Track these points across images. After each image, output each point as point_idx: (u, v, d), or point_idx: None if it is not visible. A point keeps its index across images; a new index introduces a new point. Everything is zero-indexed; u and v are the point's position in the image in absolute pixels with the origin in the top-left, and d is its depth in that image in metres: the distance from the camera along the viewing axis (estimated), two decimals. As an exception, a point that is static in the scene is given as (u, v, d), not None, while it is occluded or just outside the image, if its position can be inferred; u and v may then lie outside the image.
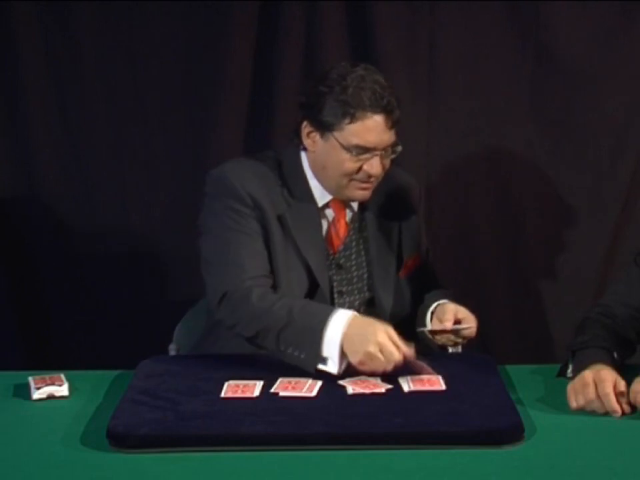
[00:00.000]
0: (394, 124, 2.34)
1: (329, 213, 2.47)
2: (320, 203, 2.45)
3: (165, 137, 3.10)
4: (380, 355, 2.13)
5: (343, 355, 2.18)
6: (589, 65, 3.02)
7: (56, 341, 3.22)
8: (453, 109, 3.07)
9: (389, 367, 2.14)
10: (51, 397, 2.20)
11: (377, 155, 2.34)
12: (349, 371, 2.20)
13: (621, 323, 2.31)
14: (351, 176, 2.37)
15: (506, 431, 1.94)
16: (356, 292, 2.50)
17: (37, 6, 3.00)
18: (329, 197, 2.45)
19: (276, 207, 2.40)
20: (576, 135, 3.08)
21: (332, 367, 2.19)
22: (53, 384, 2.21)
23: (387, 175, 2.50)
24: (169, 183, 3.13)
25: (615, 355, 2.20)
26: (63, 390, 2.21)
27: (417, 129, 3.08)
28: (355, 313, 2.24)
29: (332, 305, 2.44)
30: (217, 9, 3.00)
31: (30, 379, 2.25)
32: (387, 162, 2.39)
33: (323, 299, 2.42)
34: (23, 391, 2.23)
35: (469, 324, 2.35)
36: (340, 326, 2.19)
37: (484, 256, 3.18)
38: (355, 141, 2.32)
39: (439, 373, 2.18)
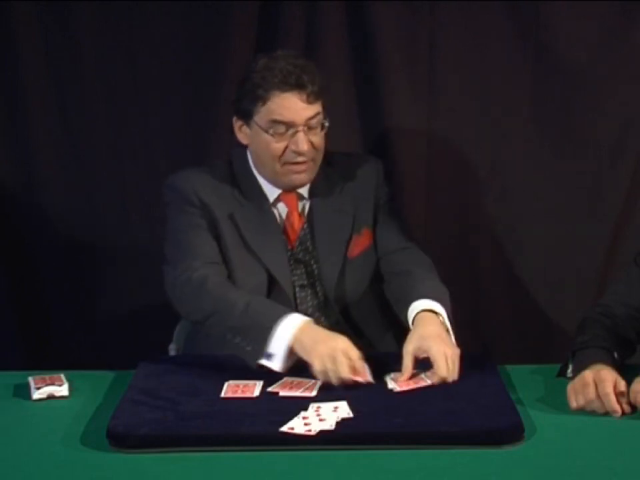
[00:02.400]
0: (311, 98, 2.35)
1: (282, 207, 2.49)
2: (271, 199, 2.48)
3: (165, 137, 3.10)
4: (332, 364, 2.14)
5: (290, 354, 2.20)
6: (589, 65, 3.02)
7: (56, 341, 3.21)
8: (452, 109, 3.07)
9: (336, 379, 2.14)
10: (51, 397, 2.20)
11: (299, 131, 2.35)
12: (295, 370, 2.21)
13: (621, 322, 2.32)
14: (280, 158, 2.39)
15: (506, 430, 1.95)
16: (317, 284, 2.51)
17: (37, 6, 3.00)
18: (277, 192, 2.47)
19: (227, 207, 2.44)
20: (576, 135, 3.07)
21: (276, 363, 2.20)
22: (52, 384, 2.21)
23: (340, 161, 2.54)
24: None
25: (615, 354, 2.20)
26: (62, 390, 2.21)
27: (417, 128, 3.08)
28: (310, 319, 2.25)
29: (294, 299, 2.48)
30: (217, 9, 3.00)
31: (30, 379, 2.25)
32: (317, 139, 2.40)
33: (282, 294, 2.45)
34: (23, 391, 2.23)
35: (434, 374, 2.19)
36: (293, 326, 2.21)
37: (484, 256, 3.18)
38: (272, 117, 2.35)
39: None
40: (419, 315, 2.32)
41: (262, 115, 2.37)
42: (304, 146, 2.36)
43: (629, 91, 3.04)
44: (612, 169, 3.08)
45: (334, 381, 2.14)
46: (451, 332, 2.33)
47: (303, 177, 2.43)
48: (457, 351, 2.24)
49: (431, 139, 3.10)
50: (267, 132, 2.37)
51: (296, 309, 2.49)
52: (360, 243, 2.53)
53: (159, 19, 3.02)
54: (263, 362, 2.21)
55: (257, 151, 2.44)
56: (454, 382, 2.19)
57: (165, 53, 3.04)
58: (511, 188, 3.13)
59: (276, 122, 2.36)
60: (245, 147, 2.50)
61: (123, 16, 3.01)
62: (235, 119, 2.45)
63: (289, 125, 2.36)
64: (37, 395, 2.19)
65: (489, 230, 3.16)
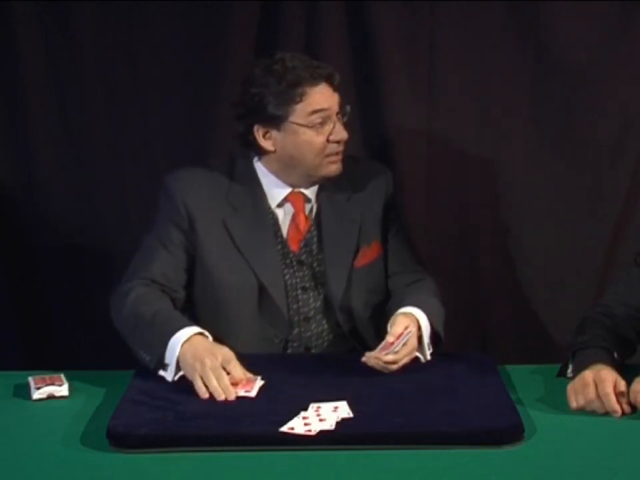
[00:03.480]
0: (336, 88, 2.42)
1: (288, 208, 2.49)
2: (278, 199, 2.48)
3: (165, 137, 3.10)
4: (199, 376, 2.14)
5: (180, 362, 2.22)
6: (589, 65, 3.02)
7: (56, 341, 3.21)
8: (452, 108, 3.07)
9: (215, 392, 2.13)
10: (50, 397, 2.20)
11: (336, 121, 2.40)
12: None
13: (621, 322, 2.32)
14: (323, 152, 2.41)
15: (506, 430, 1.95)
16: (319, 287, 2.51)
17: (37, 6, 3.00)
18: (286, 191, 2.47)
19: (220, 212, 2.45)
20: (576, 135, 3.07)
21: (169, 374, 2.23)
22: (52, 384, 2.21)
23: (348, 165, 2.54)
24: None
25: (615, 354, 2.20)
26: (62, 390, 2.21)
27: (417, 128, 3.08)
28: (201, 331, 2.26)
29: (295, 302, 2.49)
30: (217, 9, 3.00)
31: (30, 379, 2.25)
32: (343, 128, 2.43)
33: (272, 299, 2.44)
34: (23, 391, 2.23)
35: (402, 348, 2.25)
36: (183, 337, 2.22)
37: (484, 256, 3.18)
38: (311, 108, 2.37)
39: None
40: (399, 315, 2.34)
41: (299, 113, 2.38)
42: (344, 133, 2.42)
43: (629, 91, 3.04)
44: (612, 169, 3.08)
45: (214, 392, 2.13)
46: (426, 346, 2.33)
47: (339, 166, 2.46)
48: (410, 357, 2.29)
49: (431, 139, 3.10)
50: (308, 126, 2.38)
51: (297, 312, 2.50)
52: (368, 255, 2.53)
53: (159, 19, 3.02)
54: (161, 372, 2.25)
55: (292, 153, 2.42)
56: (454, 383, 2.20)
57: (165, 53, 3.04)
58: (511, 188, 3.13)
59: (316, 112, 2.38)
60: (249, 149, 2.49)
61: (123, 16, 3.01)
62: (256, 127, 2.42)
63: (328, 113, 2.39)
64: (36, 394, 2.19)
65: (489, 230, 3.16)
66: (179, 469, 1.85)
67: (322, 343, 2.54)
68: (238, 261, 2.45)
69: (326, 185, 2.51)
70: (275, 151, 2.44)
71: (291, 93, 2.36)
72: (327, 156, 2.42)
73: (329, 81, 2.40)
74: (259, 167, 2.49)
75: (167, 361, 2.22)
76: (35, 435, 2.02)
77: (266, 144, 2.44)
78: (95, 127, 3.09)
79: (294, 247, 2.49)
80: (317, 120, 2.38)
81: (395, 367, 2.23)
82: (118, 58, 3.04)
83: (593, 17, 3.00)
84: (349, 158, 2.58)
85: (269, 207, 2.48)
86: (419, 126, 3.08)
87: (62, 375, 2.27)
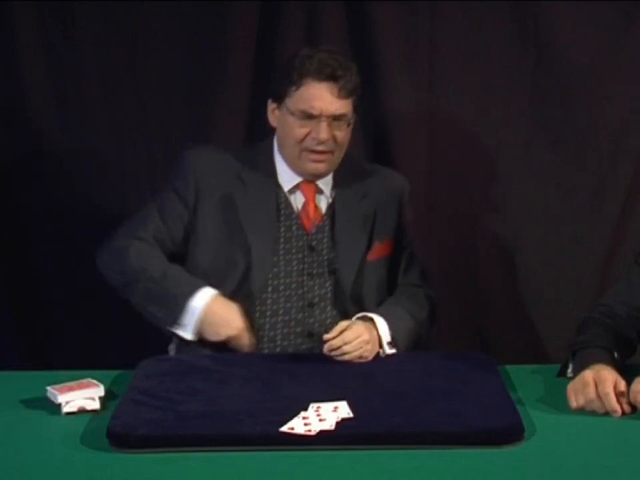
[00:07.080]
0: (344, 94, 2.43)
1: (299, 196, 2.54)
2: (287, 187, 2.52)
3: (165, 136, 3.10)
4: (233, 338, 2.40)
5: (199, 326, 2.39)
6: (589, 65, 3.02)
7: (56, 341, 3.21)
8: (453, 109, 3.07)
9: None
10: (81, 411, 2.13)
11: (322, 121, 2.41)
12: None
13: (621, 322, 2.31)
14: (300, 143, 2.44)
15: (506, 430, 1.95)
16: (326, 274, 2.54)
17: (37, 6, 3.00)
18: (297, 180, 2.52)
19: (229, 186, 2.51)
20: (576, 135, 3.08)
21: (187, 334, 2.41)
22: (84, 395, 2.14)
23: (368, 169, 2.62)
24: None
25: (616, 354, 2.20)
26: (94, 404, 2.13)
27: (417, 128, 3.08)
28: (218, 293, 2.43)
29: (300, 287, 2.53)
30: (217, 9, 3.00)
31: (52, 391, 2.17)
32: (341, 134, 2.46)
33: (253, 282, 2.49)
34: (23, 391, 2.23)
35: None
36: (203, 301, 2.39)
37: (484, 256, 3.18)
38: (301, 106, 2.42)
39: None
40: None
41: (293, 100, 2.43)
42: (324, 135, 2.42)
43: (629, 91, 3.04)
44: (612, 169, 3.09)
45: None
46: (385, 346, 2.41)
47: (320, 167, 2.48)
48: (369, 353, 2.37)
49: (431, 139, 3.10)
50: (293, 115, 2.43)
51: (302, 297, 2.53)
52: (379, 251, 2.58)
53: (159, 19, 3.02)
54: (176, 330, 2.42)
55: (281, 133, 2.50)
56: (454, 383, 2.19)
57: (165, 53, 3.04)
58: (511, 188, 3.13)
59: (304, 112, 2.42)
60: (272, 134, 2.55)
61: (123, 16, 3.01)
62: (269, 101, 2.51)
63: (315, 112, 2.41)
64: (67, 408, 2.12)
65: (489, 230, 3.16)
66: (178, 469, 1.85)
67: (325, 330, 2.52)
68: (238, 237, 2.49)
69: (341, 183, 2.55)
70: (275, 128, 2.52)
71: (292, 76, 2.41)
72: (305, 150, 2.45)
73: (333, 84, 2.41)
74: (276, 151, 2.54)
75: (184, 322, 2.41)
76: (35, 435, 2.02)
77: (271, 119, 2.52)
78: (95, 127, 3.09)
79: (305, 231, 2.53)
80: (302, 113, 2.42)
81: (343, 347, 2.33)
82: (118, 58, 3.04)
83: (593, 17, 3.01)
84: (369, 164, 2.66)
85: (282, 191, 2.52)
86: (419, 125, 3.08)
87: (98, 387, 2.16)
